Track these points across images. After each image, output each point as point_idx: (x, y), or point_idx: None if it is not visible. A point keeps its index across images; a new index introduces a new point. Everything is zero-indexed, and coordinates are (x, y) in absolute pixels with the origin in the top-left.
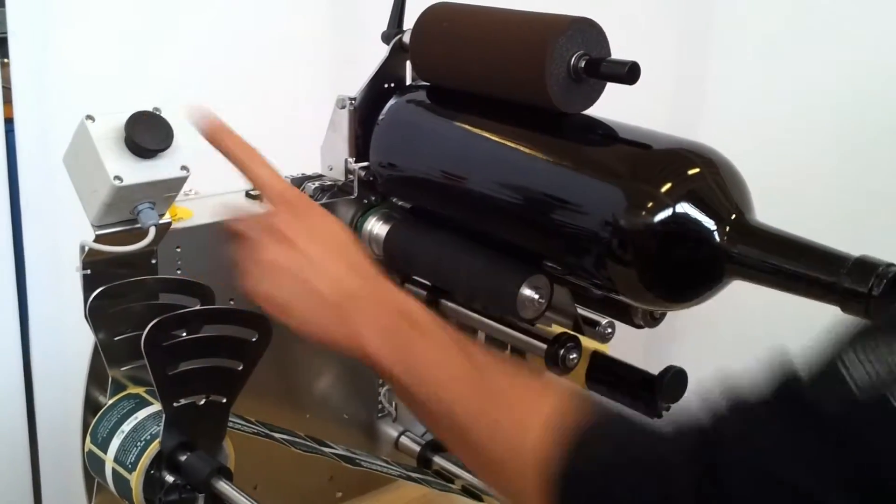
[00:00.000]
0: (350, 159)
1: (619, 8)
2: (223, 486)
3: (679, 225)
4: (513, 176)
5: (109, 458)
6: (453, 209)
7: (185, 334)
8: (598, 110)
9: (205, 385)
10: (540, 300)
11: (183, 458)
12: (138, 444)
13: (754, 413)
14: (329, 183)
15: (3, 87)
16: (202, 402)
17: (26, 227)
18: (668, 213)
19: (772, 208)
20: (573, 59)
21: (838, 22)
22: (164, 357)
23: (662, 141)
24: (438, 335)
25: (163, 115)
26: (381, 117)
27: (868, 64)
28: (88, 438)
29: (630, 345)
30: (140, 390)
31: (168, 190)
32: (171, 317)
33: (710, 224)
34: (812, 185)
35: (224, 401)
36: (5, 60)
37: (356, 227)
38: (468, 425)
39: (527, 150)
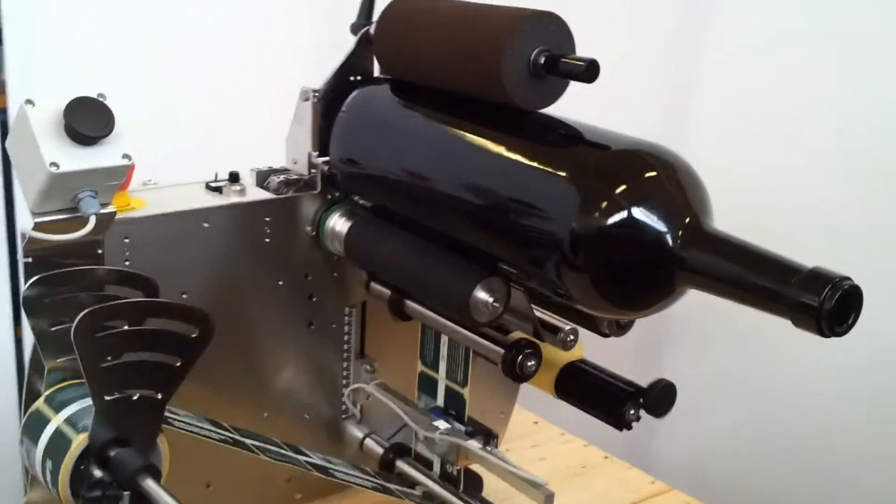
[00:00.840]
0: (313, 153)
1: (611, 8)
2: (150, 485)
3: (633, 228)
4: (466, 174)
5: (60, 418)
6: (409, 207)
7: (127, 326)
8: (585, 111)
9: (139, 380)
10: (494, 304)
11: (112, 453)
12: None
13: None
14: (294, 177)
15: None
16: (136, 397)
17: (19, 217)
18: (622, 215)
19: (762, 213)
20: (533, 54)
21: (836, 24)
22: (95, 349)
23: (621, 141)
24: None
25: (106, 101)
26: (341, 111)
27: (868, 69)
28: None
29: (618, 345)
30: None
31: (109, 178)
32: (103, 308)
33: (663, 228)
34: (807, 190)
35: (159, 397)
36: None
37: (319, 222)
38: None
39: (481, 148)
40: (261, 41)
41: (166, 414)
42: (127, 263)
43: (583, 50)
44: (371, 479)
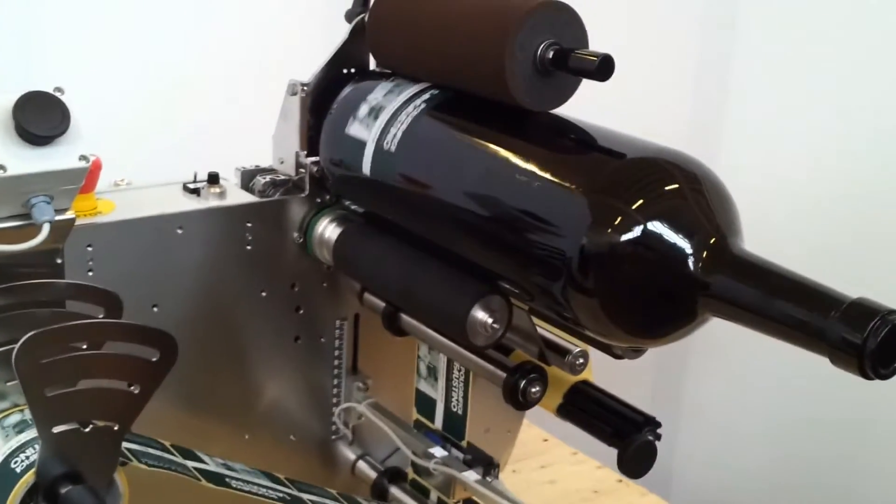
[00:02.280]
0: (301, 152)
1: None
2: None
3: (650, 248)
4: (465, 180)
5: (6, 450)
6: (402, 216)
7: (85, 348)
8: (602, 114)
9: (93, 409)
10: (494, 325)
11: (63, 490)
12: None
13: None
14: (282, 178)
15: None
16: (89, 428)
17: None
18: (638, 232)
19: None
20: (540, 48)
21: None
22: (40, 376)
23: (640, 148)
24: None
25: (64, 96)
26: (332, 107)
27: None
28: None
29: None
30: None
31: (66, 182)
32: (47, 331)
33: (684, 248)
34: (843, 203)
35: (116, 428)
36: None
37: (307, 228)
38: None
39: (482, 153)
40: (252, 28)
41: (125, 446)
42: (90, 274)
43: (598, 45)
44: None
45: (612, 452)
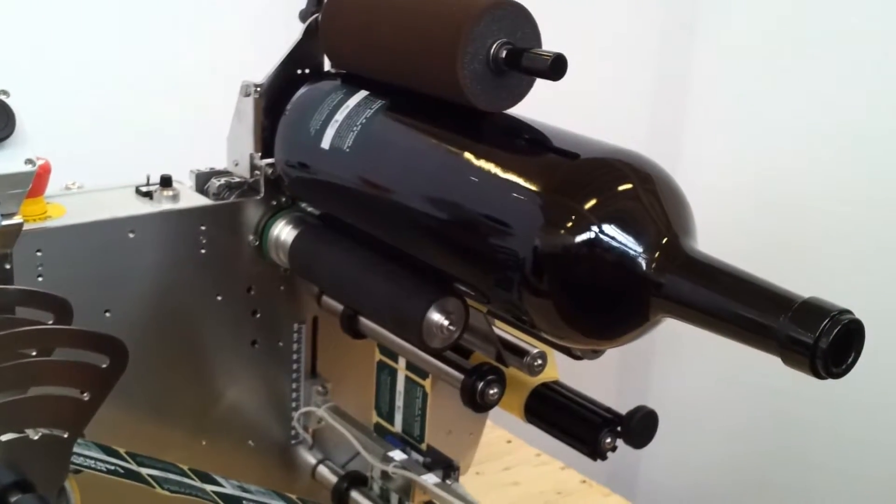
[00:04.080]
0: (255, 154)
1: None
2: None
3: (602, 248)
4: (421, 183)
5: None
6: (357, 217)
7: (35, 355)
8: (563, 110)
9: (41, 417)
10: (450, 327)
11: (13, 500)
12: None
13: None
14: (237, 181)
15: None
16: (38, 436)
17: None
18: (590, 233)
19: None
20: (493, 48)
21: (832, 23)
22: None
23: (593, 149)
24: None
25: (8, 99)
26: (287, 109)
27: (867, 66)
28: None
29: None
30: None
31: (11, 186)
32: None
33: (637, 249)
34: (797, 202)
35: (66, 435)
36: None
37: (263, 231)
38: None
39: (437, 154)
40: (208, 29)
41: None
42: (40, 279)
43: (555, 46)
44: None
45: (576, 453)
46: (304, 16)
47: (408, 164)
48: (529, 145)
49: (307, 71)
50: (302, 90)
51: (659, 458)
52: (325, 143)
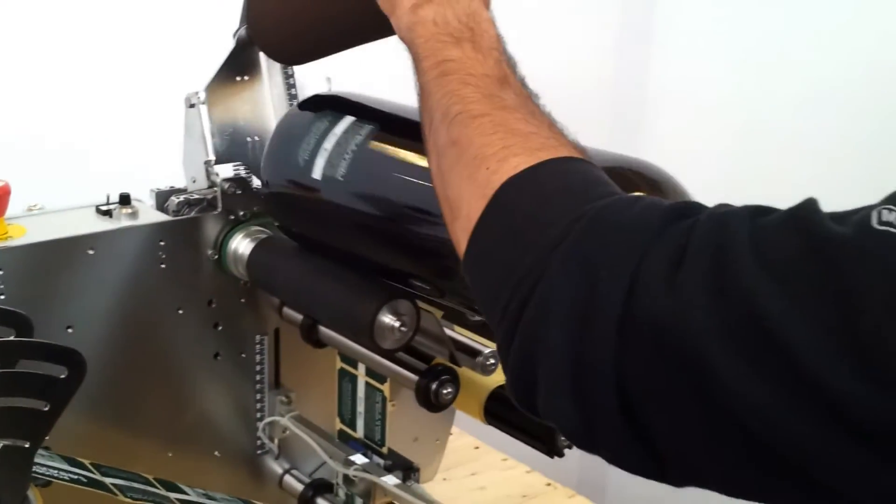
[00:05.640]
0: (210, 160)
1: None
2: None
3: None
4: (364, 181)
5: None
6: (305, 224)
7: None
8: None
9: (1, 428)
10: (401, 328)
11: None
12: None
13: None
14: (196, 197)
15: None
16: None
17: None
18: None
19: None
20: None
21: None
22: None
23: (602, 158)
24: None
25: None
26: (271, 138)
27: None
28: None
29: None
30: None
31: None
32: None
33: None
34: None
35: (27, 445)
36: None
37: (221, 245)
38: (464, 138)
39: (380, 153)
40: (168, 52)
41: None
42: (2, 297)
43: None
44: None
45: (542, 456)
46: (236, 34)
47: (352, 164)
48: None
49: (246, 77)
50: (285, 117)
51: None
52: (317, 174)
